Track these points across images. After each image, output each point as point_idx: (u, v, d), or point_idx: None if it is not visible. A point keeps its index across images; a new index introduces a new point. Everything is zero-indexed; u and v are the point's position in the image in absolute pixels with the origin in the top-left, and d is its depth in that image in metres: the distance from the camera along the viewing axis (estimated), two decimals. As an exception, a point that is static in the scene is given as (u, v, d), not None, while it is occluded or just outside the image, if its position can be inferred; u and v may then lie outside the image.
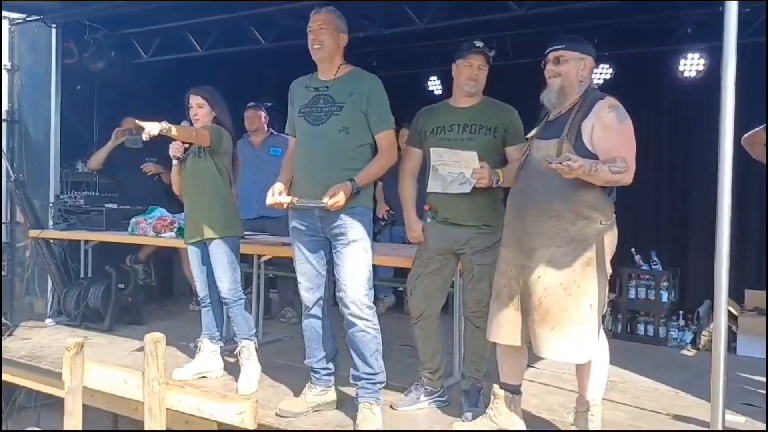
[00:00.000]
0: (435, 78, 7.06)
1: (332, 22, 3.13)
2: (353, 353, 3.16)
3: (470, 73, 3.22)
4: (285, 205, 3.17)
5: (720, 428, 2.21)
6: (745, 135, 3.71)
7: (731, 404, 3.41)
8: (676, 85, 5.99)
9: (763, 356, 3.95)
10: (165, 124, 3.37)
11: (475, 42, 3.23)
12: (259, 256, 4.67)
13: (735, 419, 3.28)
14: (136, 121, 3.37)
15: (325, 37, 3.11)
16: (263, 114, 5.64)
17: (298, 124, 3.23)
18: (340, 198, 2.99)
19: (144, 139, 3.39)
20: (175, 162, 3.91)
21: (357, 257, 3.08)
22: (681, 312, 5.36)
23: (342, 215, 3.07)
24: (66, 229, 5.35)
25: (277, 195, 3.16)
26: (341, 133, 3.08)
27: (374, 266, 4.93)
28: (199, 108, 3.88)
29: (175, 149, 3.85)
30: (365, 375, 3.14)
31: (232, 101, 4.06)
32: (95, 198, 5.45)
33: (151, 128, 3.31)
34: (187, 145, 3.85)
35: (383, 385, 3.22)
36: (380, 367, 3.18)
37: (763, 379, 3.92)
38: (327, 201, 2.99)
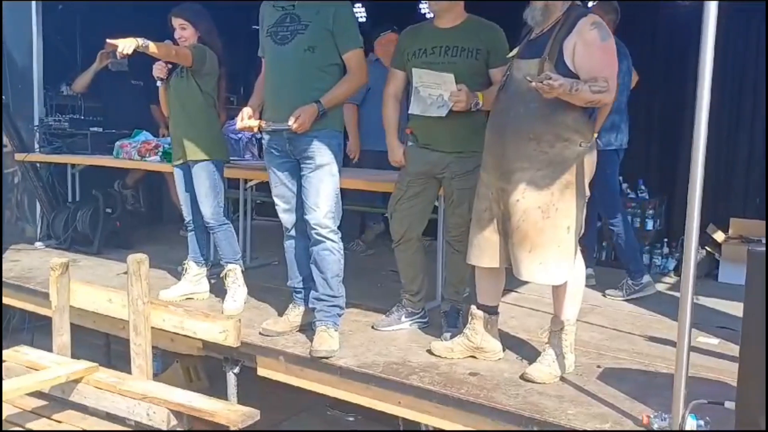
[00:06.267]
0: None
1: None
2: (315, 273, 3.18)
3: None
4: (255, 129, 3.17)
5: (685, 346, 2.27)
6: None
7: (707, 327, 3.51)
8: (670, 12, 5.84)
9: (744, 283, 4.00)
10: (141, 41, 3.28)
11: None
12: (246, 181, 4.67)
13: (709, 341, 3.37)
14: (109, 40, 3.28)
15: None
16: None
17: (266, 45, 3.17)
18: (304, 120, 2.97)
19: (118, 57, 3.31)
20: (159, 83, 3.83)
21: (323, 181, 3.08)
22: (666, 240, 5.42)
23: (310, 138, 3.05)
24: (51, 153, 5.29)
25: (246, 119, 3.14)
26: (307, 52, 3.02)
27: (363, 192, 4.89)
28: (183, 30, 3.76)
29: (158, 69, 3.77)
30: (325, 296, 3.17)
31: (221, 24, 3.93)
32: (80, 121, 5.38)
33: (126, 45, 3.22)
34: (170, 66, 3.76)
35: (343, 312, 3.26)
36: (340, 291, 3.20)
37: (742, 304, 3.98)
38: (291, 123, 2.96)
